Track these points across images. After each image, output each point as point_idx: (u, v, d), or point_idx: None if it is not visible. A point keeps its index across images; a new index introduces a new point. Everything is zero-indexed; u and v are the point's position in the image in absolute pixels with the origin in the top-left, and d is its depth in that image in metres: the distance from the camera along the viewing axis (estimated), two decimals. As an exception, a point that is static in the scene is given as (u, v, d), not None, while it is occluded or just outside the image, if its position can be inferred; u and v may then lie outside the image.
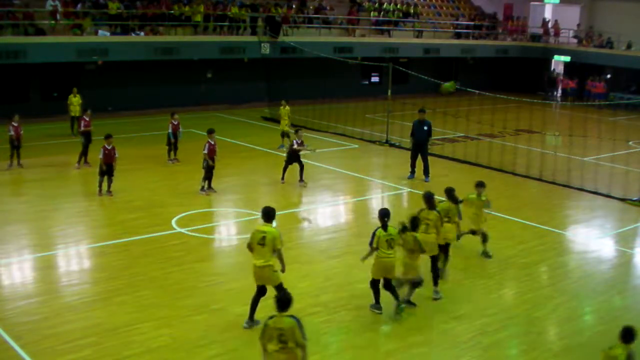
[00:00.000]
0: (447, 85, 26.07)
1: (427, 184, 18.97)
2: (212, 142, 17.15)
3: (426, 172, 19.49)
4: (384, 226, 10.63)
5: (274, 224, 10.29)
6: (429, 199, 11.66)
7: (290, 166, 18.57)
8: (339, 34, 34.89)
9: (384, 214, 10.69)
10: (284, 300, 7.70)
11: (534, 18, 43.92)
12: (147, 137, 23.86)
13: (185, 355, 9.57)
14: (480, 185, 13.33)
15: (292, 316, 7.61)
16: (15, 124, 18.99)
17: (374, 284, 10.91)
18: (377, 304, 10.97)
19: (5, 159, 19.05)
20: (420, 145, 19.43)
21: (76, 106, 23.72)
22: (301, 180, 18.45)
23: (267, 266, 9.99)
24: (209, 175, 17.25)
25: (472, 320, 10.96)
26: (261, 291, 10.20)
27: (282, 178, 18.63)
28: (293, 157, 18.49)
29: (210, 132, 17.35)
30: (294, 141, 18.55)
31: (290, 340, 7.50)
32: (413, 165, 19.76)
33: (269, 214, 10.15)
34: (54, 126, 25.50)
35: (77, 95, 23.85)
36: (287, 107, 22.96)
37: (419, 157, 19.58)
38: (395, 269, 10.75)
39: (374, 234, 10.66)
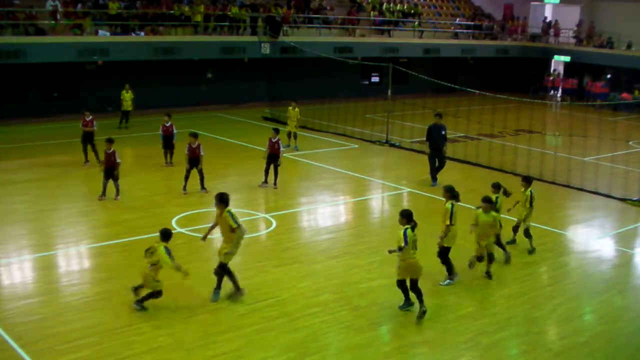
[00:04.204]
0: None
1: (433, 188, 18.62)
2: (193, 145, 17.10)
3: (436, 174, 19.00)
4: (414, 227, 10.63)
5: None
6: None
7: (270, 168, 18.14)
8: (339, 34, 34.90)
9: (411, 214, 10.74)
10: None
11: (534, 18, 43.94)
12: (147, 137, 23.84)
13: (185, 355, 9.58)
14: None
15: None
16: None
17: (402, 283, 10.93)
18: (408, 301, 11.05)
19: (5, 158, 19.03)
20: (438, 150, 18.89)
21: (128, 101, 25.20)
22: (275, 184, 18.18)
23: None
24: (200, 175, 17.37)
25: (472, 320, 10.97)
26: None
27: (265, 181, 18.24)
28: (271, 158, 18.01)
29: (192, 135, 17.28)
30: (270, 139, 18.00)
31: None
32: (433, 171, 19.00)
33: (224, 199, 11.12)
34: (53, 126, 25.54)
35: (130, 91, 25.25)
36: (297, 109, 22.90)
37: (437, 161, 18.93)
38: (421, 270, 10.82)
39: (405, 235, 10.49)
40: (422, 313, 10.75)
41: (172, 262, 10.63)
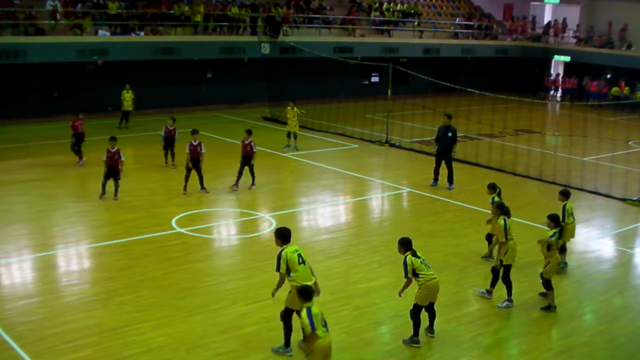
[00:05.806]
0: None
1: (450, 191, 18.41)
2: (194, 143, 17.14)
3: (450, 179, 18.72)
4: (414, 253, 9.87)
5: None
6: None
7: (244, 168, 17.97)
8: (338, 34, 34.90)
9: (409, 242, 9.96)
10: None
11: (534, 18, 43.93)
12: (147, 137, 23.85)
13: (185, 355, 9.58)
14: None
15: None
16: None
17: (417, 312, 10.03)
18: (416, 337, 10.09)
19: (5, 158, 19.03)
20: (444, 152, 18.66)
21: (128, 101, 25.24)
22: (252, 184, 18.05)
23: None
24: (199, 175, 17.36)
25: (472, 320, 10.96)
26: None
27: (236, 184, 17.86)
28: (245, 160, 17.84)
29: (193, 132, 17.34)
30: (242, 141, 17.93)
31: None
32: (436, 172, 18.82)
33: (288, 236, 9.72)
34: (53, 126, 25.49)
35: (130, 91, 25.31)
36: (296, 109, 22.83)
37: (443, 164, 18.71)
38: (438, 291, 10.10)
39: (405, 263, 9.80)
40: (431, 332, 10.32)
41: (310, 327, 8.20)
